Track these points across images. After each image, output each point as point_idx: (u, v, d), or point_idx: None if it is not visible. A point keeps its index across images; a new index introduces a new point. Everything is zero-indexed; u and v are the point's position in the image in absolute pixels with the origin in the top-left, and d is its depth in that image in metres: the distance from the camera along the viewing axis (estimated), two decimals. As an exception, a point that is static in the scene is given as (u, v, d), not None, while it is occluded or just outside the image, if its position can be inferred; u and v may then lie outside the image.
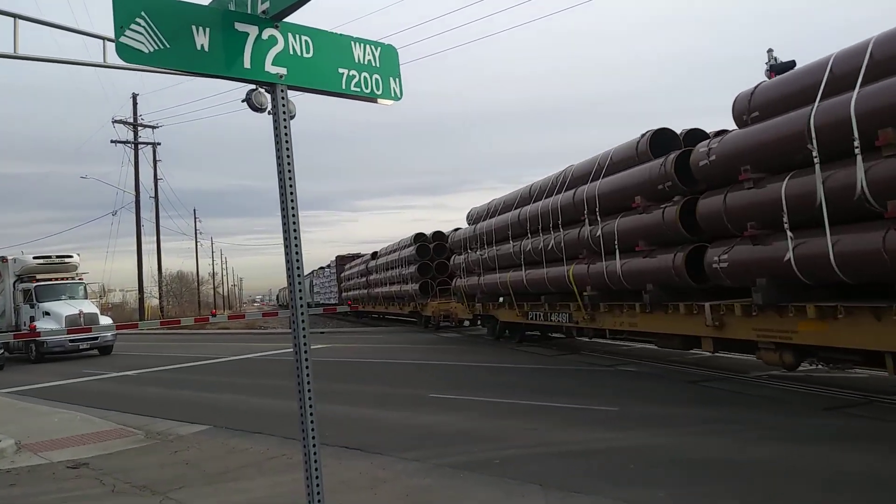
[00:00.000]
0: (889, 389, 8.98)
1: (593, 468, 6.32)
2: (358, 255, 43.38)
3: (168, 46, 3.34)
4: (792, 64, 10.09)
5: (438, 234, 28.16)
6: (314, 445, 3.71)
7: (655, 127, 12.23)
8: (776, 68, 10.24)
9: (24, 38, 11.01)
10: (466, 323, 23.91)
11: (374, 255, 36.11)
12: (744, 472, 5.90)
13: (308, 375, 3.71)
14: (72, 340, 23.01)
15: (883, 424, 7.40)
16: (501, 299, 18.02)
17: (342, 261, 45.60)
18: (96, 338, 23.61)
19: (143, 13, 3.27)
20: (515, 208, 17.06)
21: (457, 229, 23.50)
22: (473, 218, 20.84)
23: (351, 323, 40.01)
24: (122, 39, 3.21)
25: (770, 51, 10.65)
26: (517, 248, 16.47)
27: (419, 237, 28.83)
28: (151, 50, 3.29)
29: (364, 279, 37.68)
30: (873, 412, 7.93)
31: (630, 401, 9.37)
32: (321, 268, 55.36)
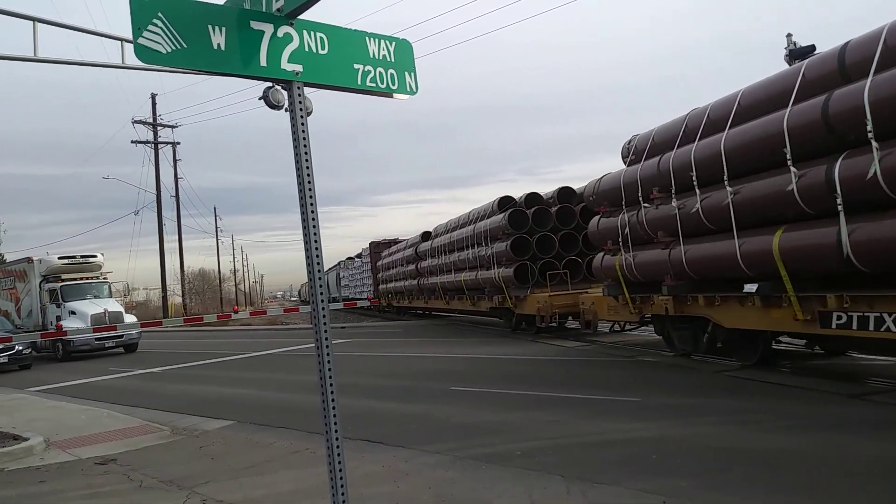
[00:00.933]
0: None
1: (615, 459, 6.30)
2: (395, 241, 36.82)
3: (185, 46, 3.37)
4: (812, 48, 9.94)
5: (534, 198, 19.97)
6: (337, 440, 3.74)
7: None
8: (795, 53, 10.08)
9: (43, 40, 11.15)
10: (616, 327, 14.96)
11: (427, 236, 28.47)
12: (767, 461, 5.85)
13: (329, 370, 3.74)
14: (98, 339, 23.37)
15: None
16: (753, 287, 9.38)
17: (377, 248, 38.33)
18: (121, 336, 23.96)
19: (159, 14, 3.30)
20: (794, 103, 8.65)
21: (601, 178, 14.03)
22: (646, 147, 12.19)
23: (389, 321, 33.47)
24: (140, 41, 3.24)
25: (789, 35, 10.49)
26: (820, 177, 8.08)
27: (506, 201, 20.57)
28: (169, 50, 3.32)
29: (412, 266, 29.16)
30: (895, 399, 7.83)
31: (651, 391, 9.33)
32: (350, 258, 48.33)
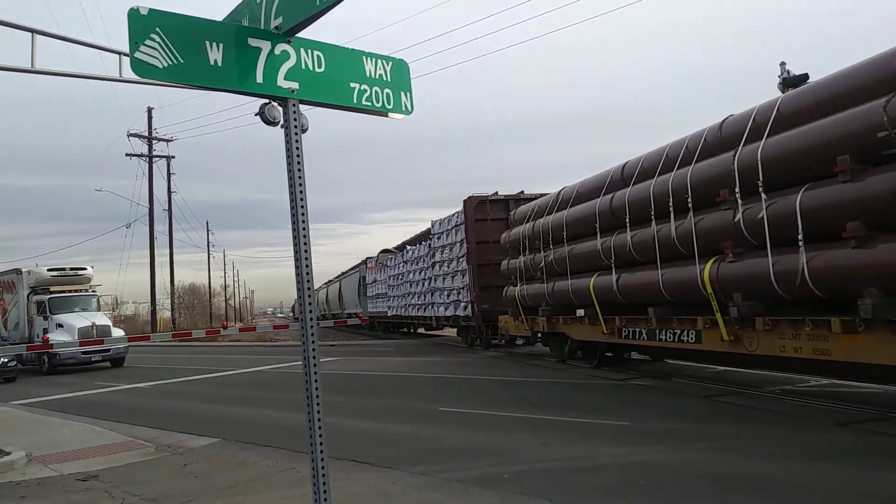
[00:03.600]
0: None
1: (603, 483, 6.26)
2: (523, 197, 20.64)
3: (182, 61, 3.38)
4: (805, 77, 10.06)
5: None
6: (322, 459, 3.70)
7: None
8: (789, 81, 10.20)
9: (40, 52, 11.17)
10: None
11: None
12: (755, 488, 5.82)
13: (317, 390, 3.71)
14: (84, 352, 23.11)
15: (897, 441, 7.30)
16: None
17: (490, 209, 21.31)
18: (108, 350, 23.71)
19: (157, 29, 3.32)
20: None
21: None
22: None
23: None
24: (137, 55, 3.25)
25: (783, 64, 10.63)
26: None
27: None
28: (166, 65, 3.33)
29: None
30: (887, 427, 7.82)
31: (641, 415, 9.30)
32: (386, 251, 34.84)
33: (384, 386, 14.93)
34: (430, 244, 24.86)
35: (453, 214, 22.55)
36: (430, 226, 25.10)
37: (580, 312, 13.96)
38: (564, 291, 14.54)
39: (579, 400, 11.34)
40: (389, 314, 31.88)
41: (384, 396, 13.12)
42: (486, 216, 21.23)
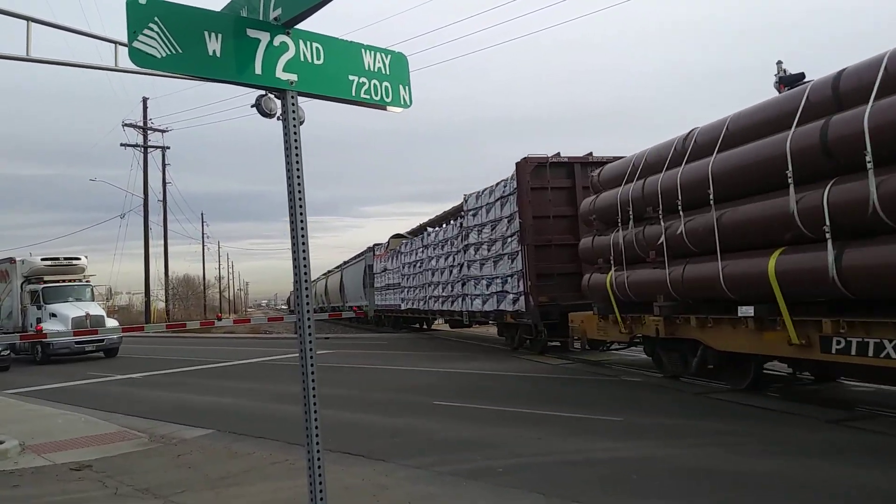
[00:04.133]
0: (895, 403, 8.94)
1: (596, 478, 6.29)
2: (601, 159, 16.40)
3: (180, 52, 3.37)
4: (801, 76, 10.08)
5: None
6: (318, 451, 3.71)
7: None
8: (785, 80, 10.22)
9: (35, 40, 11.11)
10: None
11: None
12: (747, 485, 5.86)
13: (313, 381, 3.72)
14: (78, 342, 23.09)
15: (888, 438, 7.34)
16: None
17: (549, 174, 16.78)
18: (102, 340, 23.70)
19: (156, 18, 3.31)
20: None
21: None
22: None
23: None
24: (136, 44, 3.24)
25: (780, 63, 10.65)
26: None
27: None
28: (164, 55, 3.32)
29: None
30: (878, 426, 7.88)
31: (634, 411, 9.33)
32: (398, 235, 31.18)
33: (379, 379, 14.91)
34: (461, 223, 20.61)
35: (498, 183, 17.88)
36: (461, 201, 20.63)
37: (746, 311, 9.27)
38: (707, 279, 9.88)
39: (572, 395, 11.34)
40: (403, 307, 27.76)
41: (379, 390, 13.13)
42: (546, 183, 16.49)
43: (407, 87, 4.29)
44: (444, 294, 22.58)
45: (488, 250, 18.55)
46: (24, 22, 10.96)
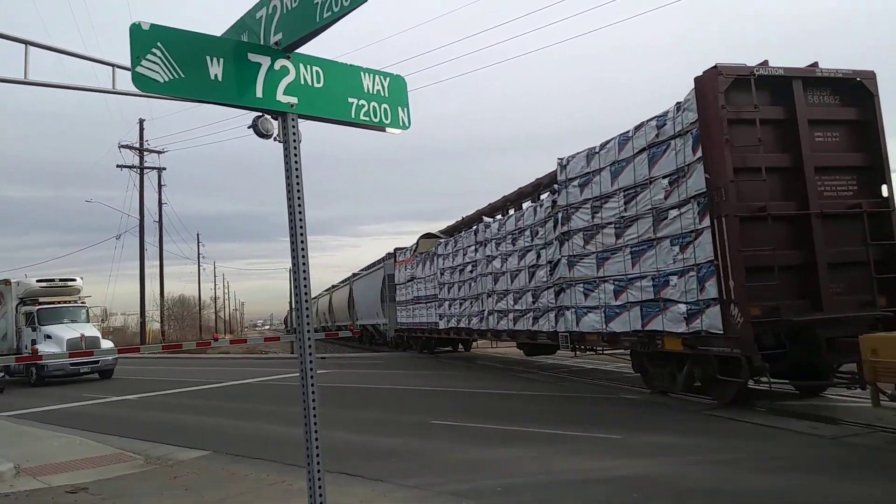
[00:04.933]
0: (891, 419, 8.94)
1: (595, 497, 6.27)
2: None
3: (183, 76, 3.43)
4: None
5: None
6: (318, 472, 3.72)
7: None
8: None
9: (33, 63, 11.21)
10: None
11: None
12: (746, 503, 5.85)
13: (314, 401, 3.73)
14: (73, 364, 22.91)
15: (884, 454, 7.36)
16: None
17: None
18: (97, 361, 23.53)
19: (159, 44, 3.37)
20: None
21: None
22: None
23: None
24: (139, 69, 3.30)
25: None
26: None
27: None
28: (167, 79, 3.38)
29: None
30: (875, 442, 7.89)
31: (632, 429, 9.31)
32: (429, 235, 25.78)
33: (377, 398, 14.83)
34: (554, 200, 14.55)
35: (641, 125, 11.61)
36: (555, 168, 14.39)
37: None
38: None
39: (570, 413, 11.31)
40: (443, 326, 21.77)
41: (377, 409, 13.08)
42: (751, 114, 10.05)
43: (406, 109, 4.36)
44: (516, 308, 16.54)
45: (617, 237, 12.28)
46: (23, 46, 11.06)
